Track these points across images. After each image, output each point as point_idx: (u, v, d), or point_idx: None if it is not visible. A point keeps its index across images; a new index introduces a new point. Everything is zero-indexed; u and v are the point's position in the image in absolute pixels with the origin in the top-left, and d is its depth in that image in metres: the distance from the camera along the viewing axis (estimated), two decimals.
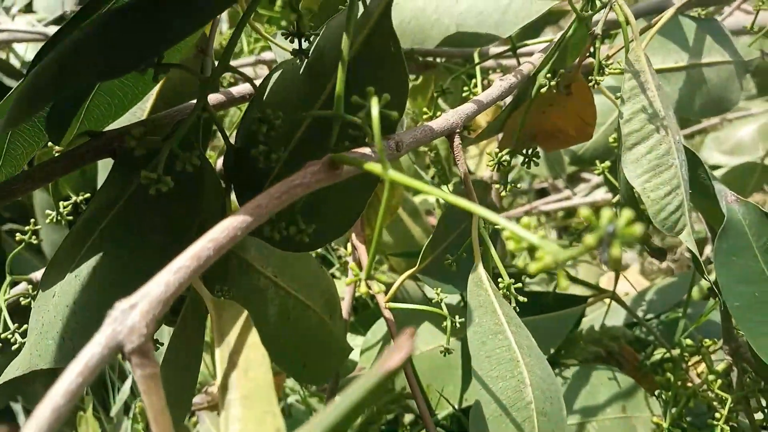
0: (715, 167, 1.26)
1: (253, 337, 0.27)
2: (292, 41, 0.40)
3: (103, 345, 0.23)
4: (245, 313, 0.28)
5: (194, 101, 0.42)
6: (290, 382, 0.88)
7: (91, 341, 0.23)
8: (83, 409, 0.81)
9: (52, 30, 0.73)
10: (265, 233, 0.36)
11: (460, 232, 0.52)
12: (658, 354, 0.69)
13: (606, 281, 1.06)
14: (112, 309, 0.24)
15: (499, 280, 0.38)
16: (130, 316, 0.23)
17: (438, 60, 0.68)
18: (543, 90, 0.45)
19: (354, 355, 0.72)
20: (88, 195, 0.56)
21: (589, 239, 0.18)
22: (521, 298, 0.37)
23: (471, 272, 0.37)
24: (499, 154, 0.47)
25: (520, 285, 0.38)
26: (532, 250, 0.23)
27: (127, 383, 0.86)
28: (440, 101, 0.68)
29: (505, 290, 0.38)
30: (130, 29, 0.32)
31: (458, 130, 0.39)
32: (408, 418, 0.75)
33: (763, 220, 0.50)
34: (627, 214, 0.18)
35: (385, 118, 0.31)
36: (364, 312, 0.89)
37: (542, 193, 1.51)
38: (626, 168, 0.41)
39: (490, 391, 0.31)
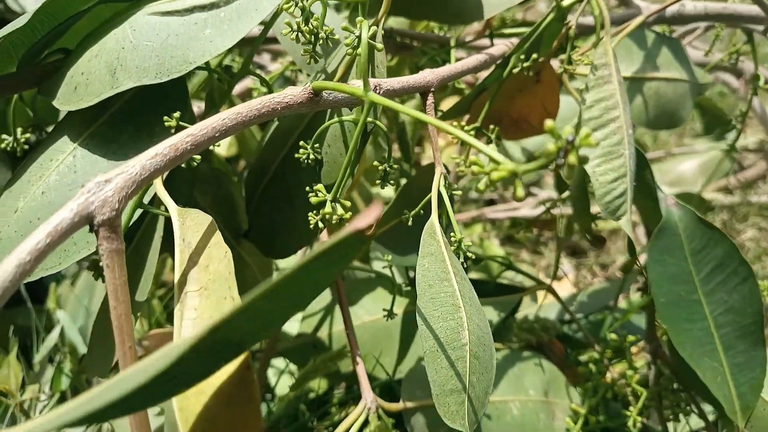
0: None
1: (217, 237, 0.28)
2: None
3: (74, 212, 0.23)
4: (210, 219, 0.29)
5: None
6: None
7: (63, 207, 0.23)
8: (7, 351, 0.78)
9: None
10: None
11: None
12: (584, 355, 0.72)
13: (542, 296, 1.10)
14: (88, 181, 0.24)
15: (451, 234, 0.40)
16: (104, 189, 0.24)
17: (414, 43, 0.70)
18: (516, 71, 0.48)
19: (293, 328, 0.73)
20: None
21: (550, 146, 0.20)
22: (470, 254, 0.39)
23: (426, 224, 0.38)
24: (465, 128, 0.49)
25: (469, 244, 0.40)
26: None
27: (55, 331, 0.84)
28: None
29: (456, 246, 0.39)
30: None
31: (432, 89, 0.40)
32: (337, 397, 0.76)
33: (697, 225, 0.53)
34: (586, 130, 0.20)
35: None
36: None
37: (491, 203, 1.55)
38: (581, 151, 0.44)
39: (431, 327, 0.33)
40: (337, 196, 0.29)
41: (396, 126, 0.63)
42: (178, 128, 0.38)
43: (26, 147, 0.54)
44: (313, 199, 0.29)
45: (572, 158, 0.20)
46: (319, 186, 0.30)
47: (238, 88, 0.81)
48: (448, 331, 0.33)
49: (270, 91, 0.44)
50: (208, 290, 0.25)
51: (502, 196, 1.51)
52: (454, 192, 0.44)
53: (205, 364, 0.20)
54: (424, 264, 0.36)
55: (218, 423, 0.21)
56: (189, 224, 0.30)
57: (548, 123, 0.21)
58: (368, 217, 0.18)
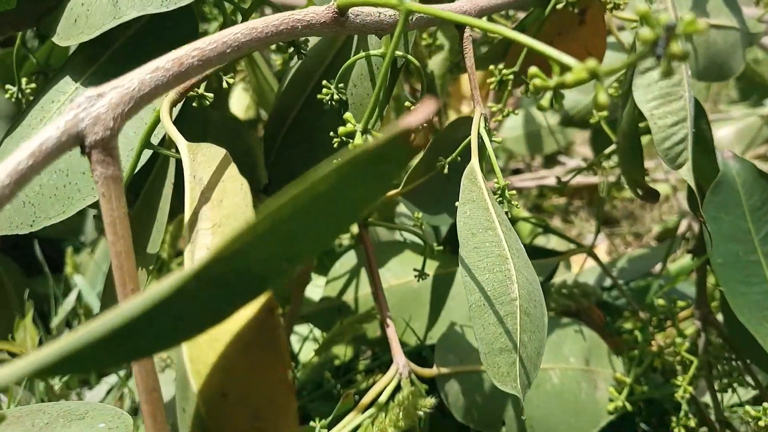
0: None
1: (232, 170, 0.24)
2: None
3: (62, 130, 0.20)
4: (224, 152, 0.25)
5: None
6: None
7: (49, 124, 0.20)
8: (23, 315, 0.76)
9: None
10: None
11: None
12: (627, 323, 0.68)
13: (575, 259, 1.05)
14: (77, 96, 0.20)
15: (494, 182, 0.36)
16: (96, 104, 0.20)
17: None
18: (559, 6, 0.43)
19: (316, 293, 0.70)
20: None
21: (646, 32, 0.16)
22: (515, 203, 0.35)
23: (466, 168, 0.34)
24: (503, 71, 0.45)
25: (513, 192, 0.36)
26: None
27: (72, 295, 0.82)
28: (440, 34, 0.66)
29: (498, 194, 0.35)
30: None
31: None
32: (363, 364, 0.73)
33: (756, 180, 0.49)
34: (690, 15, 0.16)
35: None
36: (329, 254, 0.87)
37: (517, 173, 1.51)
38: (636, 92, 0.39)
39: (476, 280, 0.29)
40: (368, 128, 0.26)
41: (424, 78, 0.59)
42: None
43: (32, 99, 0.51)
44: (341, 130, 0.26)
45: (675, 47, 0.16)
46: (348, 115, 0.26)
47: None
48: (495, 283, 0.29)
49: None
50: (223, 226, 0.22)
51: (529, 165, 1.46)
52: (494, 140, 0.40)
53: (216, 302, 0.16)
54: (466, 211, 0.32)
55: (235, 374, 0.18)
56: (200, 159, 0.26)
57: (640, 7, 0.16)
58: (421, 112, 0.14)
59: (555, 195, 1.39)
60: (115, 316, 0.14)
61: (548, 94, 0.20)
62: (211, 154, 0.26)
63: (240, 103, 0.88)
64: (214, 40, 0.23)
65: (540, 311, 0.32)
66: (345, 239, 0.88)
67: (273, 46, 0.67)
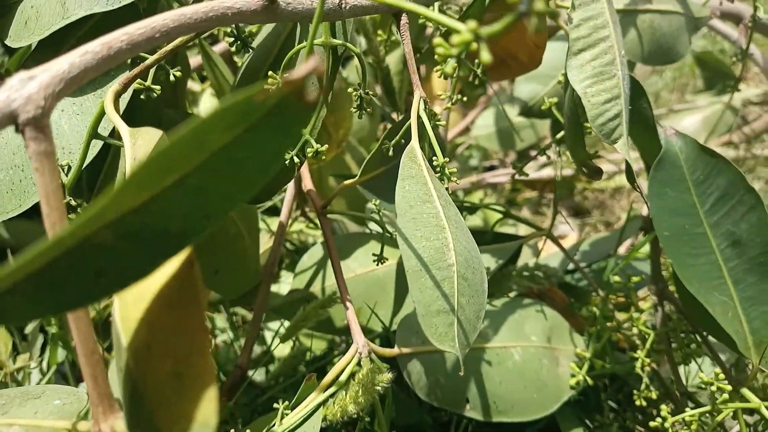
0: None
1: None
2: None
3: None
4: (161, 133, 0.27)
5: None
6: (220, 322, 0.85)
7: None
8: None
9: None
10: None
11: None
12: (589, 304, 0.70)
13: (542, 244, 1.07)
14: (10, 78, 0.22)
15: (434, 159, 0.37)
16: (27, 86, 0.22)
17: None
18: None
19: (285, 289, 0.71)
20: None
21: None
22: (454, 180, 0.37)
23: (406, 148, 0.36)
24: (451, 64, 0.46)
25: (454, 170, 0.37)
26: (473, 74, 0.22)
27: None
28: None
29: (439, 172, 0.37)
30: None
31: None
32: (337, 357, 0.75)
33: (699, 155, 0.51)
34: None
35: None
36: (297, 249, 0.88)
37: (492, 170, 1.53)
38: (570, 72, 0.41)
39: (413, 247, 0.30)
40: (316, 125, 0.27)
41: (380, 72, 0.61)
42: (134, 64, 0.36)
43: None
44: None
45: (539, 4, 0.17)
46: None
47: (217, 48, 0.79)
48: (432, 251, 0.31)
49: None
50: None
51: (503, 161, 1.49)
52: (438, 123, 0.41)
53: (137, 257, 0.18)
54: (405, 186, 0.33)
55: (159, 328, 0.19)
56: (140, 143, 0.28)
57: None
58: (303, 68, 0.15)
59: (528, 189, 1.41)
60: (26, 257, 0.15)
61: (451, 61, 0.22)
62: (150, 137, 0.27)
63: (209, 107, 0.89)
64: (143, 26, 0.25)
65: (479, 278, 0.33)
66: (319, 237, 0.90)
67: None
